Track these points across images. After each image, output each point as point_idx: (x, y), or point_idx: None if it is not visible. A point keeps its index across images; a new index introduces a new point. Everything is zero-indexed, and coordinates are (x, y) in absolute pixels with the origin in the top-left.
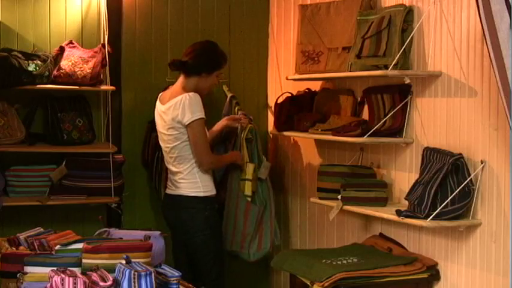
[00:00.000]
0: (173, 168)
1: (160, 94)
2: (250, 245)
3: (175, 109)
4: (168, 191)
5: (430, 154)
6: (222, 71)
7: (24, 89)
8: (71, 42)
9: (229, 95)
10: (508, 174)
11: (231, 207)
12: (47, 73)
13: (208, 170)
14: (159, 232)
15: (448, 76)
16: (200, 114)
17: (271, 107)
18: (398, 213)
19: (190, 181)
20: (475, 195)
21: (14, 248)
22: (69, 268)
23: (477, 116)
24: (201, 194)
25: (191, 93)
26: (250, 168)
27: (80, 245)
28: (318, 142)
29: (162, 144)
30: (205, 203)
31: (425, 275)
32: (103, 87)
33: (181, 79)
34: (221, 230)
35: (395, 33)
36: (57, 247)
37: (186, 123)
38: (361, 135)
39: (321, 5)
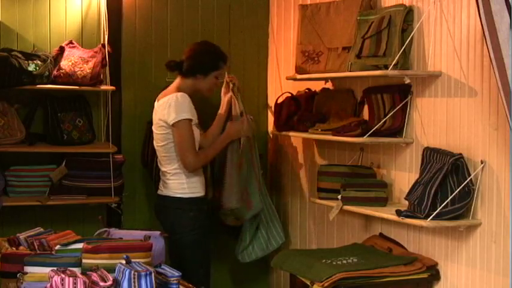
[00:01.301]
0: (162, 168)
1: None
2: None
3: (163, 109)
4: (158, 192)
5: (430, 154)
6: (221, 72)
7: (24, 89)
8: (71, 42)
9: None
10: (508, 174)
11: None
12: (47, 73)
13: (194, 171)
14: (159, 232)
15: (448, 76)
16: (186, 115)
17: (271, 107)
18: (398, 213)
19: (176, 182)
20: (475, 195)
21: (14, 248)
22: (69, 268)
23: (477, 116)
24: (186, 195)
25: (179, 94)
26: None
27: (80, 245)
28: (318, 142)
29: (154, 142)
30: (190, 204)
31: (425, 275)
32: (103, 87)
33: (177, 80)
34: (208, 231)
35: (395, 33)
36: (57, 247)
37: (171, 123)
38: (361, 135)
39: (321, 5)
